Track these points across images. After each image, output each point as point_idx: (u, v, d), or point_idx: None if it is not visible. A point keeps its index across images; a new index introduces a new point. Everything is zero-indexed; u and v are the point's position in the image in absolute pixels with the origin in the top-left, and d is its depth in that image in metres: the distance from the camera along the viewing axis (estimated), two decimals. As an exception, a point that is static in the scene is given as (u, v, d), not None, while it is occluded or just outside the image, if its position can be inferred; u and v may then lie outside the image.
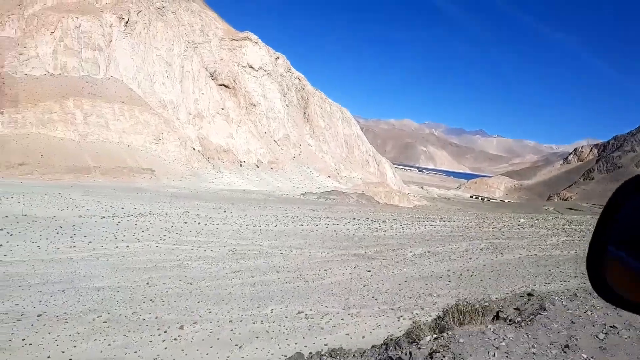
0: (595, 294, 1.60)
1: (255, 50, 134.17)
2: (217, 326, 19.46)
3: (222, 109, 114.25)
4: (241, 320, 19.98)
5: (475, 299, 23.79)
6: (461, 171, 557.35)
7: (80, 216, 45.16)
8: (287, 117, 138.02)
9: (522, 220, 50.25)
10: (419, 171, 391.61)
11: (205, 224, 43.22)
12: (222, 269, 27.77)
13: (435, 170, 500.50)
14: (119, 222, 42.87)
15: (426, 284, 24.59)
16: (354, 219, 48.83)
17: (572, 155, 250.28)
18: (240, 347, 17.91)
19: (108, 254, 30.66)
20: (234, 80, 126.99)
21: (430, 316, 20.44)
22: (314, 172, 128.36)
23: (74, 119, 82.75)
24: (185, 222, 43.77)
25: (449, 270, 27.88)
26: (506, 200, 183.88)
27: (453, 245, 34.37)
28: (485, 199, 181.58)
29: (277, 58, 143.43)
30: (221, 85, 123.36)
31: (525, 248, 35.82)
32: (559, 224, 48.01)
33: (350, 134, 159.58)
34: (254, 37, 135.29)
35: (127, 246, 32.74)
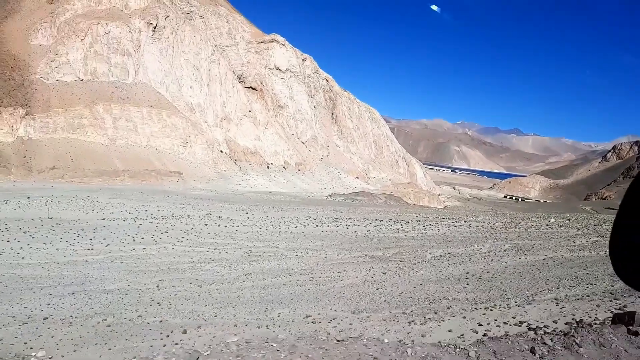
0: None
1: (282, 52, 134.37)
2: (220, 330, 18.94)
3: (249, 111, 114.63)
4: (246, 325, 19.41)
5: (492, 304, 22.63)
6: (495, 171, 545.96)
7: (104, 219, 45.63)
8: (315, 119, 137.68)
9: (552, 220, 48.20)
10: (452, 171, 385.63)
11: (225, 226, 43.01)
12: (235, 271, 27.34)
13: (469, 170, 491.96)
14: (140, 224, 43.09)
15: (442, 287, 23.52)
16: (376, 220, 47.85)
17: (611, 153, 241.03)
18: (242, 353, 17.34)
19: (123, 257, 30.65)
20: (261, 83, 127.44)
21: (443, 321, 19.45)
22: (342, 173, 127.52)
23: (104, 124, 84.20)
24: (206, 224, 43.67)
25: (467, 273, 26.69)
26: (542, 200, 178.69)
27: (475, 247, 33.03)
28: (520, 199, 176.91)
29: (304, 59, 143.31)
30: (248, 87, 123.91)
31: (551, 249, 34.15)
32: (590, 224, 45.76)
33: (379, 134, 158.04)
34: (281, 39, 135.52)
35: (144, 248, 32.70)
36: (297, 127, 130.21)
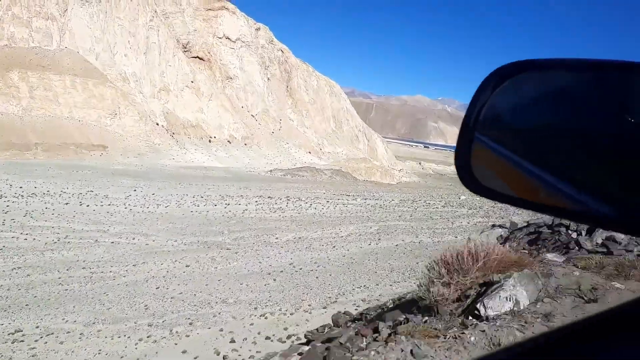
0: None
1: (233, 21, 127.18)
2: None
3: (192, 82, 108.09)
4: None
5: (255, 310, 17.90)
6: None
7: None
8: (267, 91, 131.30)
9: (462, 197, 43.68)
10: (425, 147, 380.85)
11: (88, 206, 37.71)
12: (10, 264, 22.13)
13: (444, 146, 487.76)
14: (-11, 204, 37.41)
15: (240, 284, 18.71)
16: (269, 197, 42.77)
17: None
18: None
19: None
20: (209, 52, 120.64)
21: (188, 336, 14.52)
22: (293, 147, 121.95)
23: (18, 93, 77.70)
24: (67, 203, 38.31)
25: (291, 264, 21.86)
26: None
27: (337, 229, 28.19)
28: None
29: (257, 29, 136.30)
30: (195, 57, 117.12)
31: (416, 232, 29.31)
32: (493, 203, 41.32)
33: (338, 108, 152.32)
34: (231, 6, 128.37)
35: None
36: (247, 99, 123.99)
